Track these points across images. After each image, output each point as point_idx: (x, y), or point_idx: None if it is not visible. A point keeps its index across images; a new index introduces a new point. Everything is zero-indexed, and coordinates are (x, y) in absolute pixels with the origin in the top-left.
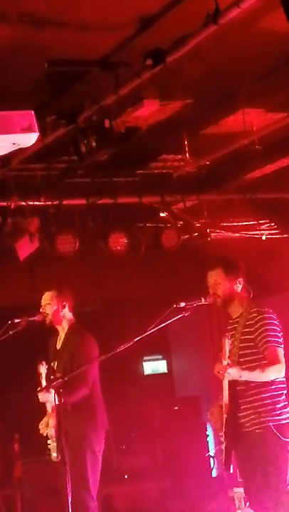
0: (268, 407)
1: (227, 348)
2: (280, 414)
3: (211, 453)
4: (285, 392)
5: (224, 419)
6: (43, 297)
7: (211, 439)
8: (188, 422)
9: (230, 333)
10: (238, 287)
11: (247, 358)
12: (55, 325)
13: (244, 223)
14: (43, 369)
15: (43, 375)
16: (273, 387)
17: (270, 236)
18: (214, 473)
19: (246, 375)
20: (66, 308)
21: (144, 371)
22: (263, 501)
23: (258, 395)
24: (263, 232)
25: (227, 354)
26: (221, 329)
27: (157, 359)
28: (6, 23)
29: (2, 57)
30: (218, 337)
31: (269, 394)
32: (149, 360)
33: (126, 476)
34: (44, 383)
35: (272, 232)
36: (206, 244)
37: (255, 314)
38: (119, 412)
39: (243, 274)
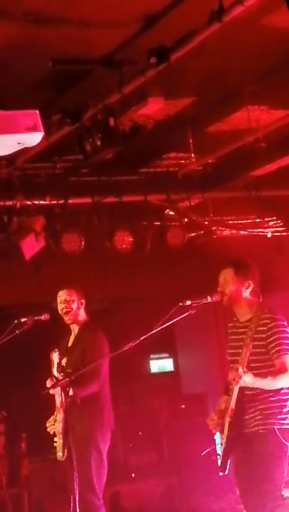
0: (274, 411)
1: (245, 355)
2: (285, 419)
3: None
4: None
5: (228, 423)
6: (65, 293)
7: (217, 437)
8: (195, 419)
9: (239, 337)
10: (247, 290)
11: (257, 364)
12: (74, 323)
13: (249, 221)
14: (55, 357)
15: (55, 364)
16: (281, 391)
17: (275, 233)
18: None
19: (259, 383)
20: (83, 307)
21: (150, 369)
22: (257, 502)
23: (265, 399)
24: (268, 229)
25: (246, 362)
26: (227, 327)
27: (164, 357)
28: (9, 21)
29: (6, 56)
30: (224, 335)
31: (276, 398)
32: (155, 359)
33: (133, 475)
34: (55, 372)
35: (278, 229)
36: (211, 242)
37: (268, 321)
38: (125, 411)
39: (254, 277)
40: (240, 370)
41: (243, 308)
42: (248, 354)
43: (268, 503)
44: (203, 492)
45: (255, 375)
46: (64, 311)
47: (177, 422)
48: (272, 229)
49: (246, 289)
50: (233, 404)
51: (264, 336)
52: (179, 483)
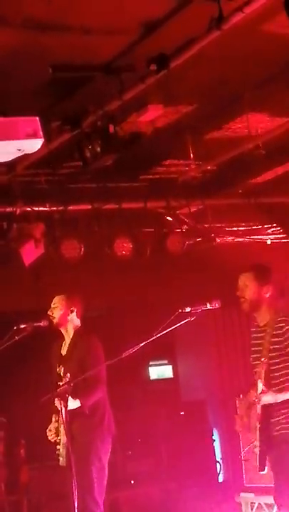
0: None
1: (262, 372)
2: None
3: (218, 457)
4: None
5: (258, 429)
6: (53, 300)
7: (217, 444)
8: (194, 426)
9: (258, 342)
10: (267, 293)
11: (277, 367)
12: (60, 327)
13: (249, 227)
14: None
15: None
16: None
17: (275, 240)
18: (221, 479)
19: (282, 397)
20: (74, 314)
21: (149, 376)
22: None
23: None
24: (268, 236)
25: (263, 380)
26: (226, 334)
27: (163, 364)
28: (10, 28)
29: (6, 63)
30: (223, 342)
31: None
32: (154, 365)
33: (132, 481)
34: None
35: (277, 236)
36: (211, 248)
37: (283, 324)
38: (124, 417)
39: (273, 281)
40: (260, 388)
41: (263, 313)
42: (266, 364)
43: None
44: (201, 499)
45: (277, 390)
46: (49, 318)
47: (176, 428)
48: (271, 236)
49: (266, 293)
50: (259, 410)
51: (282, 339)
52: (178, 489)
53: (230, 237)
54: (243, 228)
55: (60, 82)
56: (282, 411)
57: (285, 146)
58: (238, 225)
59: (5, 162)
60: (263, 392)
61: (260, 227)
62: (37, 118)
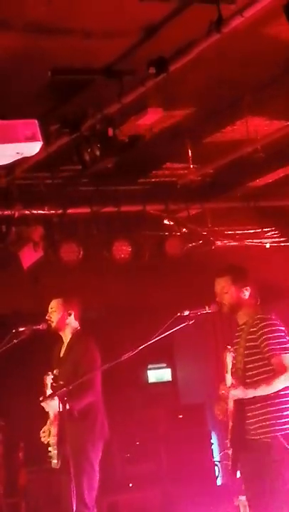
0: (275, 415)
1: (229, 361)
2: (286, 423)
3: (216, 459)
4: None
5: (229, 427)
6: (50, 304)
7: (215, 447)
8: (193, 429)
9: (235, 341)
10: (246, 295)
11: (253, 365)
12: (58, 331)
13: (248, 231)
14: (49, 379)
15: (49, 386)
16: (282, 393)
17: (273, 244)
18: (219, 482)
19: (252, 393)
20: (72, 317)
21: (148, 379)
22: (266, 509)
23: (265, 402)
24: (266, 240)
25: (229, 369)
26: (225, 337)
27: (162, 367)
28: (10, 32)
29: (6, 66)
30: (222, 345)
31: (276, 401)
32: (153, 369)
33: (130, 485)
34: (48, 393)
35: (276, 240)
36: (210, 252)
37: (258, 321)
38: (123, 421)
39: (250, 281)
40: (229, 382)
41: (243, 314)
42: (233, 360)
43: (279, 508)
44: (201, 502)
45: (252, 382)
46: (47, 321)
47: (175, 432)
48: (270, 239)
49: (245, 294)
50: (230, 407)
51: (255, 336)
52: (177, 493)
53: (229, 241)
54: (242, 232)
55: (60, 85)
56: (258, 411)
57: (284, 149)
58: (237, 229)
59: (4, 165)
60: (232, 385)
61: (259, 230)
62: (36, 121)
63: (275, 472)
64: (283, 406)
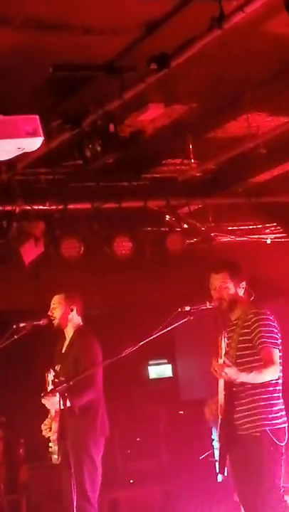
0: (264, 409)
1: (224, 345)
2: (275, 418)
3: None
4: (280, 395)
5: (219, 420)
6: (52, 300)
7: (216, 443)
8: (194, 426)
9: (229, 335)
10: (242, 290)
11: (244, 359)
12: (61, 327)
13: (249, 227)
14: (50, 377)
15: (50, 383)
16: (271, 388)
17: (275, 240)
18: (220, 478)
19: (244, 378)
20: (74, 312)
21: (149, 375)
22: (256, 504)
23: (254, 396)
24: (267, 235)
25: (223, 351)
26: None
27: (162, 363)
28: (11, 28)
29: (7, 62)
30: None
31: (265, 396)
32: (154, 364)
33: (131, 481)
34: (49, 390)
35: (277, 235)
36: (211, 248)
37: (252, 315)
38: (124, 417)
39: (246, 277)
40: (220, 360)
41: (237, 308)
42: (227, 348)
43: (270, 503)
44: (201, 498)
45: (242, 370)
46: (50, 317)
47: (176, 428)
48: (271, 235)
49: (241, 289)
50: (221, 401)
51: (249, 330)
52: (178, 489)
53: (230, 237)
54: (243, 227)
55: (61, 82)
56: (247, 406)
57: (286, 145)
58: (238, 225)
59: (5, 160)
60: (225, 363)
61: (260, 226)
62: (37, 116)
63: (264, 467)
64: (272, 401)
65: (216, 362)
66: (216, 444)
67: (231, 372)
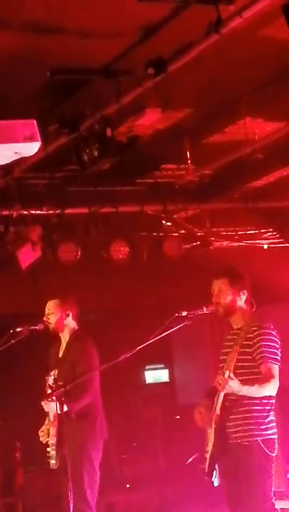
0: (257, 420)
1: (232, 361)
2: (267, 429)
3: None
4: (272, 407)
5: (213, 429)
6: (47, 306)
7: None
8: (190, 430)
9: (230, 344)
10: (242, 299)
11: (243, 371)
12: (57, 332)
13: (246, 232)
14: (50, 380)
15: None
16: (264, 401)
17: (272, 245)
18: (216, 483)
19: (245, 390)
20: (70, 317)
21: (145, 380)
22: None
23: (249, 406)
24: (265, 241)
25: (232, 368)
26: (223, 338)
27: (159, 368)
28: (8, 31)
29: (4, 65)
30: (220, 346)
31: (259, 408)
32: (151, 369)
33: (128, 485)
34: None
35: (274, 241)
36: (208, 253)
37: (256, 328)
38: (120, 421)
39: (247, 286)
40: (227, 374)
41: (237, 318)
42: (234, 359)
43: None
44: (198, 503)
45: (242, 382)
46: (45, 323)
47: (172, 432)
48: (268, 240)
49: (241, 298)
50: (218, 411)
51: (251, 343)
52: (174, 493)
53: (227, 242)
54: (240, 233)
55: (58, 85)
56: (241, 415)
57: (283, 150)
58: (235, 230)
59: (2, 165)
60: (230, 377)
61: (257, 231)
62: (34, 121)
63: (255, 476)
64: (265, 414)
65: (221, 376)
66: (209, 447)
67: (234, 386)
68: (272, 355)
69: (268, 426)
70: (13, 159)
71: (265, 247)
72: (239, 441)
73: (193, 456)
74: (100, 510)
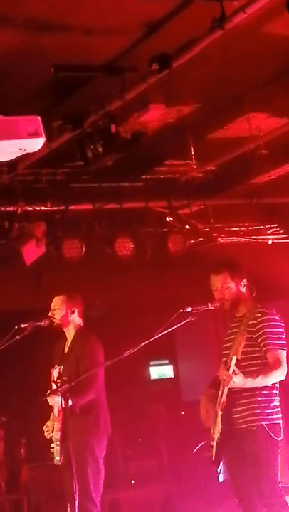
0: (262, 405)
1: (239, 347)
2: (272, 414)
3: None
4: (278, 392)
5: (220, 417)
6: (53, 301)
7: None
8: (195, 426)
9: (232, 331)
10: (243, 288)
11: (248, 362)
12: (62, 328)
13: (250, 228)
14: (55, 372)
15: (55, 379)
16: (270, 385)
17: (276, 240)
18: (221, 478)
19: (250, 383)
20: (75, 314)
21: (150, 376)
22: (252, 498)
23: (254, 391)
24: (269, 236)
25: (240, 352)
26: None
27: (164, 364)
28: (12, 28)
29: (8, 62)
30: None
31: (265, 392)
32: (155, 365)
33: (132, 481)
34: (54, 387)
35: (279, 236)
36: (212, 248)
37: (259, 315)
38: (125, 417)
39: (245, 273)
40: (234, 360)
41: (240, 305)
42: (242, 344)
43: (268, 498)
44: (202, 498)
45: (248, 371)
46: (51, 318)
47: (177, 428)
48: (273, 236)
49: (242, 287)
50: (224, 397)
51: (254, 329)
52: (179, 489)
53: (232, 237)
54: (244, 228)
55: (62, 82)
56: (247, 400)
57: (287, 146)
58: (239, 225)
59: (6, 161)
60: (234, 372)
61: (261, 227)
62: (39, 117)
63: (261, 460)
64: (271, 398)
65: (224, 371)
66: (216, 434)
67: (239, 381)
68: (278, 340)
69: (273, 411)
70: (18, 155)
71: (270, 242)
72: (245, 426)
73: (201, 444)
74: (105, 506)
